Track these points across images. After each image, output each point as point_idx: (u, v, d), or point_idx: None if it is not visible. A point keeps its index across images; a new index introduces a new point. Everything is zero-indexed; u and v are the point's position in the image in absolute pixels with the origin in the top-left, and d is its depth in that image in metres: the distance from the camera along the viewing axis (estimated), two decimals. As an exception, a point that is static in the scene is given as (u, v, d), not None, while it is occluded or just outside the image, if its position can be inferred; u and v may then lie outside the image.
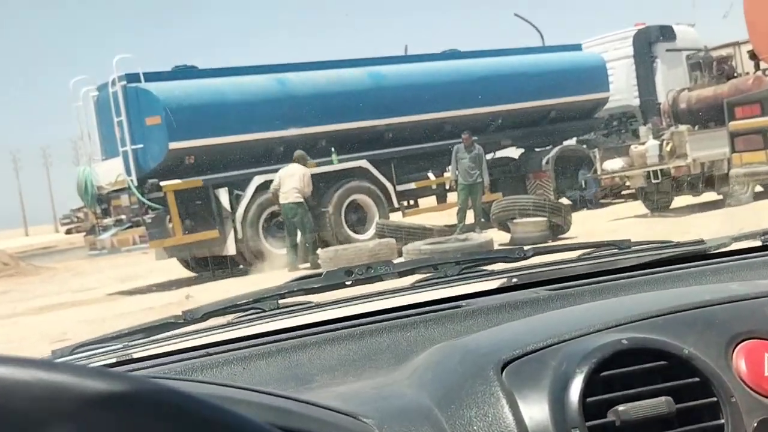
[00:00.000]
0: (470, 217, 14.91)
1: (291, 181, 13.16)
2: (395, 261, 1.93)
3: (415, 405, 1.22)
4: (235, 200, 13.98)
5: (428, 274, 1.94)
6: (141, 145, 13.67)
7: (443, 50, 17.30)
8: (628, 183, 15.21)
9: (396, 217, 15.39)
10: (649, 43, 17.66)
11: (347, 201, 14.73)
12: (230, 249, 13.91)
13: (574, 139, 18.64)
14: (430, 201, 16.84)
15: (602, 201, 17.40)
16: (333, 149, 14.81)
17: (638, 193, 14.91)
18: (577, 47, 18.64)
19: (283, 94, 14.52)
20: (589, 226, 13.62)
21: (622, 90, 18.19)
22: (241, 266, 14.32)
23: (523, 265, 1.96)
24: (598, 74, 17.93)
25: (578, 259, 1.99)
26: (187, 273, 14.90)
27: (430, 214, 16.46)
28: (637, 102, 18.10)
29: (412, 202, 16.52)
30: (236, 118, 13.97)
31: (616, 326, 1.27)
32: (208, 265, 14.56)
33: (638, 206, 14.97)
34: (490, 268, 1.96)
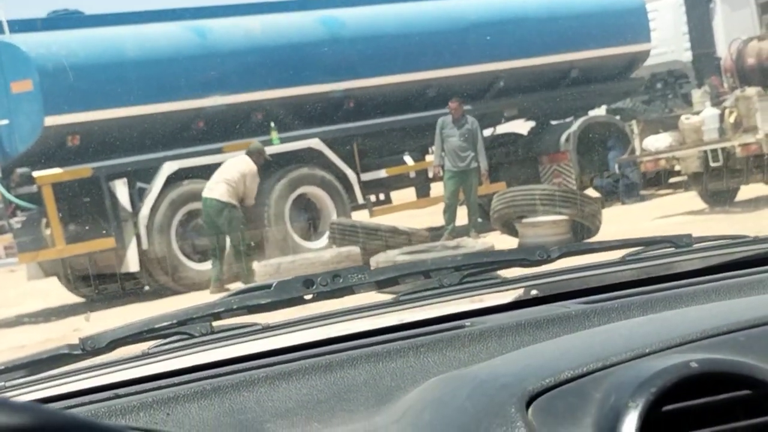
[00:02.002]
0: (462, 216, 14.97)
1: (226, 172, 13.33)
2: (372, 267, 1.94)
3: None
4: (137, 196, 13.93)
5: (418, 285, 1.95)
6: (5, 121, 13.59)
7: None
8: (677, 167, 15.33)
9: (360, 217, 15.41)
10: (704, -25, 17.82)
11: (293, 195, 14.75)
12: (131, 263, 13.86)
13: (604, 107, 18.75)
14: (407, 194, 16.88)
15: (642, 192, 17.54)
16: (272, 124, 14.81)
17: (692, 181, 15.04)
18: (605, -19, 18.77)
19: (202, 50, 14.50)
20: (626, 226, 13.73)
21: (667, 40, 18.35)
22: (147, 287, 14.26)
23: (547, 270, 1.99)
24: (634, 18, 18.07)
25: (622, 261, 2.02)
26: (72, 297, 14.83)
27: (408, 213, 16.49)
28: (688, 56, 18.26)
29: (382, 196, 16.56)
30: (137, 82, 13.93)
31: (681, 345, 1.29)
32: (101, 286, 14.48)
33: (692, 199, 15.11)
34: (501, 275, 1.98)
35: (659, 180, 17.16)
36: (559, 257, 1.98)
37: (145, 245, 13.83)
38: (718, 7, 17.61)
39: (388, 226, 13.88)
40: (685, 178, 15.55)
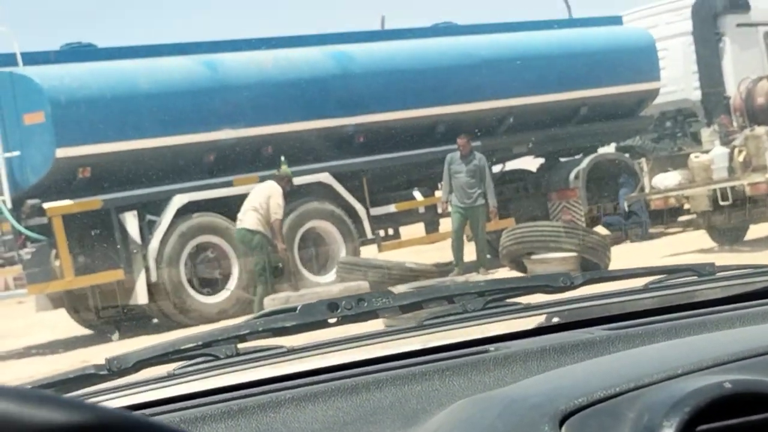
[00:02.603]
0: (471, 253, 14.96)
1: (253, 200, 13.60)
2: (396, 291, 1.95)
3: None
4: (147, 228, 13.95)
5: (441, 310, 1.96)
6: (17, 153, 13.62)
7: (434, 23, 17.41)
8: (687, 205, 15.33)
9: (370, 252, 15.41)
10: (713, 15, 17.85)
11: (302, 229, 14.76)
12: (140, 296, 13.86)
13: (613, 145, 18.77)
14: (415, 230, 16.88)
15: (651, 230, 17.54)
16: (282, 158, 14.82)
17: (701, 220, 15.04)
18: (616, 20, 18.85)
19: (213, 83, 14.55)
20: (635, 263, 13.71)
21: (677, 79, 18.39)
22: (156, 319, 14.25)
23: (570, 297, 1.99)
24: (644, 57, 18.11)
25: (645, 288, 2.03)
26: (80, 330, 14.82)
27: (416, 249, 16.49)
28: (698, 95, 18.29)
29: (391, 231, 16.55)
30: (149, 115, 13.97)
31: (713, 367, 1.30)
32: (111, 319, 14.48)
33: (701, 237, 15.10)
34: (524, 301, 1.99)
35: (668, 218, 17.17)
36: (583, 284, 1.99)
37: (154, 277, 13.83)
38: (728, 47, 17.65)
39: (396, 264, 13.89)
40: (694, 216, 15.56)
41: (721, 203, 14.29)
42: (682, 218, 17.29)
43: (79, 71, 13.86)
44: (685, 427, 1.19)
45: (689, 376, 1.29)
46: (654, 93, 18.40)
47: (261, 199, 13.62)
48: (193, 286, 14.10)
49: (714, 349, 1.37)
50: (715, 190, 14.32)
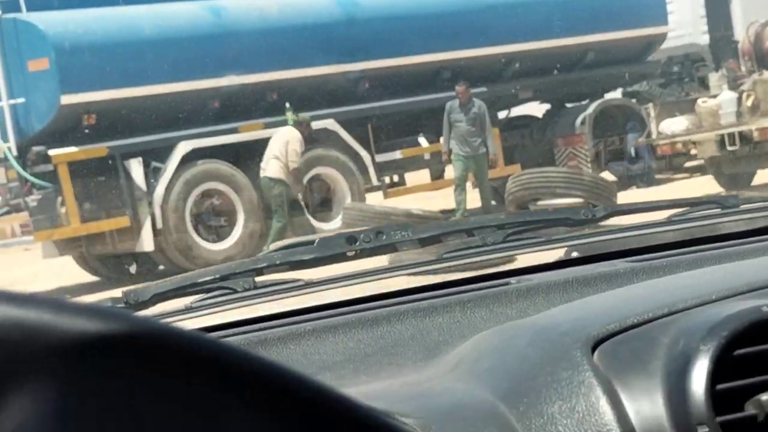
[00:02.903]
0: (476, 200, 14.94)
1: (273, 148, 13.69)
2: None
3: (472, 401, 1.21)
4: (152, 175, 13.93)
5: (461, 243, 1.94)
6: (21, 99, 13.58)
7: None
8: (694, 151, 15.30)
9: (375, 198, 15.39)
10: (722, -44, 17.74)
11: (307, 176, 14.72)
12: (146, 243, 13.87)
13: (620, 90, 18.69)
14: (421, 176, 16.85)
15: (658, 176, 17.51)
16: (287, 105, 14.77)
17: (708, 165, 15.01)
18: (623, -37, 18.69)
19: (218, 29, 14.47)
20: (642, 209, 13.70)
21: (685, 23, 18.30)
22: (162, 266, 14.28)
23: (593, 230, 1.97)
24: (652, 1, 17.98)
25: (667, 221, 2.00)
26: (87, 277, 14.86)
27: (422, 195, 16.47)
28: (706, 39, 18.20)
29: (396, 177, 16.53)
30: (154, 61, 13.91)
31: (749, 292, 1.27)
32: (117, 266, 14.51)
33: (708, 182, 15.07)
34: (545, 234, 1.96)
35: (675, 163, 17.16)
36: (604, 217, 1.96)
37: (159, 224, 13.83)
38: (736, -10, 17.55)
39: (401, 210, 13.88)
40: (701, 161, 15.54)
41: (729, 148, 14.25)
42: (689, 164, 17.27)
43: (83, 17, 13.78)
44: (722, 352, 1.16)
45: (724, 301, 1.27)
46: (661, 37, 18.28)
47: (281, 146, 13.66)
48: (198, 233, 14.12)
49: (747, 275, 1.34)
50: (722, 135, 14.28)
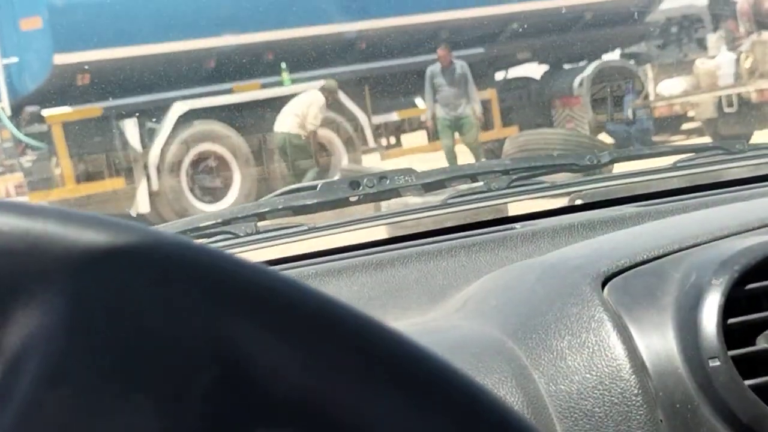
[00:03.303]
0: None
1: (294, 105, 13.85)
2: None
3: (480, 336, 1.21)
4: (148, 136, 13.90)
5: (465, 188, 1.93)
6: (14, 59, 13.51)
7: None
8: (691, 113, 15.26)
9: (372, 160, 15.35)
10: None
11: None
12: (141, 205, 13.86)
13: (618, 52, 18.62)
14: (419, 138, 16.81)
15: (656, 138, 17.48)
16: (283, 65, 14.72)
17: (706, 127, 14.99)
18: None
19: (213, -12, 14.42)
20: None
21: (683, -17, 18.21)
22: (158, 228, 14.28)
23: (598, 176, 1.96)
24: (650, -39, 17.91)
25: (673, 167, 1.99)
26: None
27: (419, 156, 16.42)
28: (704, 0, 18.13)
29: (393, 139, 16.49)
30: (148, 20, 13.84)
31: (761, 227, 1.26)
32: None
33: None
34: (550, 180, 1.95)
35: (673, 125, 17.13)
36: (609, 162, 1.95)
37: (155, 186, 13.81)
38: (736, -50, 17.45)
39: (397, 171, 13.86)
40: (699, 123, 15.52)
41: (726, 110, 14.23)
42: (687, 125, 17.25)
43: (76, -25, 13.70)
44: (734, 286, 1.15)
45: (736, 237, 1.26)
46: (659, -2, 18.24)
47: (303, 107, 13.71)
48: (194, 195, 14.09)
49: (757, 212, 1.33)
50: (720, 97, 14.25)
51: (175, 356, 0.65)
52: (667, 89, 15.04)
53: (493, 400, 0.67)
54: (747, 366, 1.13)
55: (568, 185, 1.96)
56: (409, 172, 1.88)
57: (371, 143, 15.59)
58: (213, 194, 14.17)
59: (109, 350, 0.65)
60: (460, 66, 14.49)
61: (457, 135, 14.70)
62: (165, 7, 13.93)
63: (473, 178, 1.94)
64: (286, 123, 13.76)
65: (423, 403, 0.66)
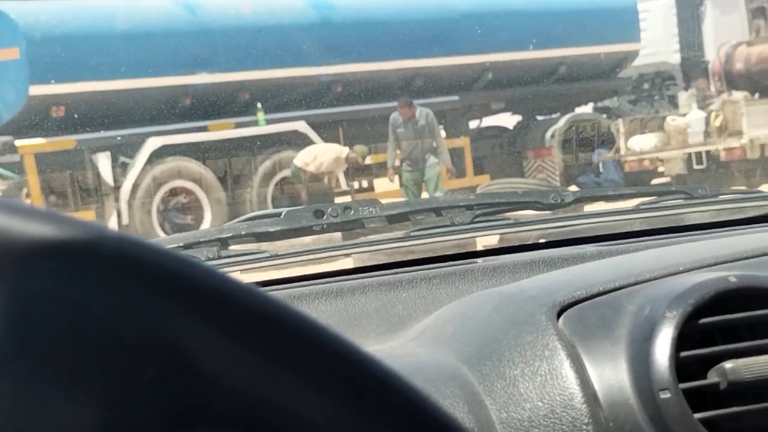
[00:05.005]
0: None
1: (318, 147, 14.31)
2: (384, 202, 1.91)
3: (434, 362, 1.20)
4: (120, 170, 13.86)
5: (429, 222, 1.93)
6: (-10, 88, 13.50)
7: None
8: (661, 168, 15.36)
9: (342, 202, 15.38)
10: (696, -23, 17.85)
11: (276, 178, 14.70)
12: (111, 238, 13.80)
13: (591, 105, 18.77)
14: (389, 183, 16.83)
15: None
16: (259, 105, 14.75)
17: (675, 183, 15.06)
18: (598, -21, 18.79)
19: (192, 26, 14.42)
20: (608, 223, 13.74)
21: (656, 41, 18.36)
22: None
23: (561, 215, 1.96)
24: (625, 17, 18.08)
25: (636, 209, 2.00)
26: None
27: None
28: (677, 58, 18.29)
29: (365, 183, 16.51)
30: (125, 55, 13.83)
31: (716, 264, 1.27)
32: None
33: (674, 199, 15.12)
34: (514, 217, 1.96)
35: (642, 180, 17.22)
36: (573, 202, 1.95)
37: (125, 220, 13.76)
38: (709, 11, 17.64)
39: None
40: (668, 179, 15.60)
41: (696, 167, 14.33)
42: (656, 181, 17.35)
43: (55, 8, 13.70)
44: (687, 320, 1.16)
45: (691, 272, 1.26)
46: (633, 54, 18.39)
47: (323, 148, 14.12)
48: (164, 230, 14.04)
49: (716, 249, 1.34)
50: (690, 154, 14.36)
51: (118, 351, 0.65)
52: (637, 144, 15.14)
53: (431, 408, 0.67)
54: (698, 399, 1.13)
55: (531, 223, 1.96)
56: (373, 203, 1.88)
57: (343, 186, 15.59)
58: (183, 230, 14.12)
59: (49, 342, 0.64)
60: (425, 115, 14.11)
61: (419, 185, 14.55)
62: (143, 44, 13.94)
63: (437, 212, 1.94)
64: (299, 155, 14.01)
65: (364, 405, 0.66)
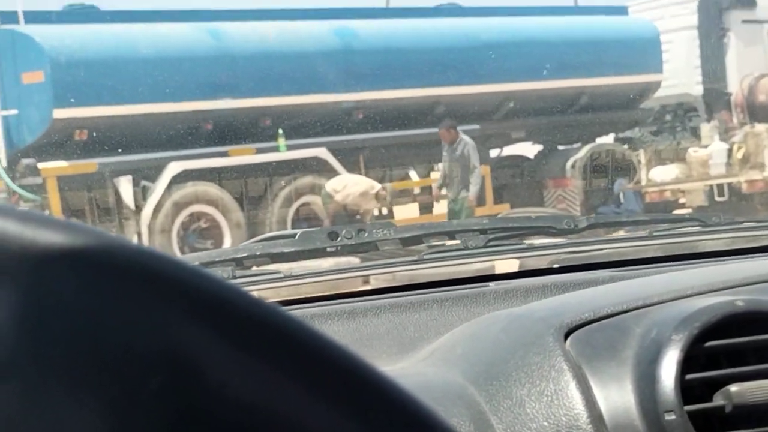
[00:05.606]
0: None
1: (350, 177, 14.47)
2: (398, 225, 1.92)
3: (441, 382, 1.21)
4: (141, 194, 13.92)
5: (442, 245, 1.94)
6: (14, 111, 13.57)
7: (439, 3, 17.36)
8: (682, 199, 15.33)
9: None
10: (719, 10, 17.85)
11: (296, 204, 14.72)
12: (131, 262, 13.84)
13: (612, 136, 18.76)
14: (409, 210, 16.85)
15: (646, 223, 17.54)
16: (280, 131, 14.80)
17: (696, 214, 15.04)
18: (621, 10, 18.82)
19: (215, 51, 14.50)
20: (628, 253, 13.70)
21: (679, 72, 18.36)
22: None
23: (575, 240, 1.97)
24: (648, 49, 18.08)
25: (649, 236, 2.01)
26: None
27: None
28: (699, 90, 18.28)
29: (384, 210, 16.52)
30: (149, 80, 13.92)
31: (724, 289, 1.28)
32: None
33: (695, 231, 15.08)
34: (527, 241, 1.97)
35: (663, 211, 17.17)
36: (587, 228, 1.96)
37: (145, 244, 13.79)
38: (732, 42, 17.65)
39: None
40: (689, 210, 15.56)
41: (717, 199, 14.31)
42: (677, 212, 17.30)
43: (80, 32, 13.80)
44: (693, 343, 1.17)
45: (699, 296, 1.27)
46: (656, 85, 18.37)
47: (355, 179, 14.25)
48: (184, 255, 14.06)
49: (725, 274, 1.35)
50: (711, 186, 14.34)
51: (126, 358, 0.66)
52: (659, 175, 15.13)
53: (438, 423, 0.67)
54: (703, 422, 1.14)
55: (544, 248, 1.97)
56: (387, 225, 1.89)
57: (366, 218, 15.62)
58: (203, 255, 14.18)
59: (58, 347, 0.65)
60: (464, 145, 14.27)
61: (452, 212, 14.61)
62: (165, 69, 14.02)
63: (451, 235, 1.95)
64: (329, 182, 14.13)
65: (372, 419, 0.67)
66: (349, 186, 14.12)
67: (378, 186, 14.31)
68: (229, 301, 0.68)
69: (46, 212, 13.34)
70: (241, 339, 0.66)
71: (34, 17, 13.81)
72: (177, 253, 13.89)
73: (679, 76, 18.33)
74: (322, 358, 0.68)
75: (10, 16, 13.67)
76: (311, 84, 15.04)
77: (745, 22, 17.74)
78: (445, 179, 14.48)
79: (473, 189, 14.37)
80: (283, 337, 0.67)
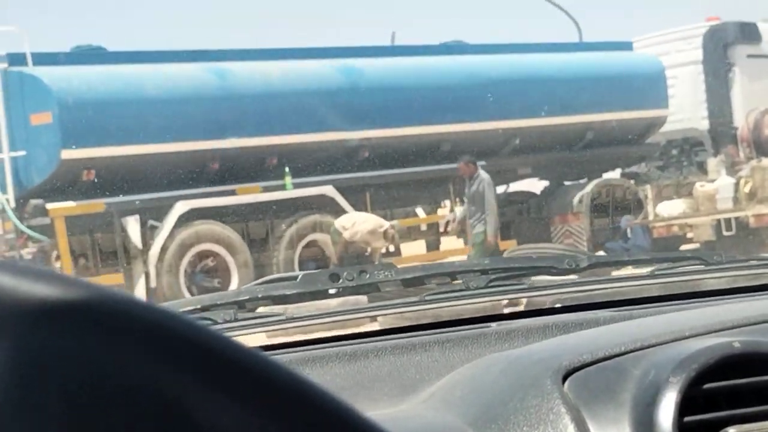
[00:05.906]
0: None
1: (358, 215, 14.56)
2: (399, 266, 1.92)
3: (441, 424, 1.22)
4: (149, 233, 13.94)
5: (444, 286, 1.94)
6: (23, 152, 13.62)
7: (444, 41, 17.42)
8: (690, 234, 15.30)
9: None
10: (724, 45, 17.90)
11: (303, 242, 14.73)
12: (139, 300, 13.84)
13: (618, 171, 18.76)
14: (416, 247, 16.85)
15: (653, 258, 17.50)
16: (287, 169, 14.83)
17: (704, 249, 15.01)
18: (626, 46, 18.86)
19: (221, 91, 14.56)
20: (636, 289, 13.68)
21: (685, 107, 18.40)
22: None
23: (575, 279, 1.97)
24: (653, 84, 18.13)
25: (650, 275, 2.01)
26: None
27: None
28: (705, 125, 18.31)
29: (392, 248, 16.52)
30: (155, 120, 13.98)
31: (721, 330, 1.28)
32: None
33: (703, 266, 15.06)
34: (528, 282, 1.97)
35: (670, 246, 17.16)
36: (588, 268, 1.97)
37: (153, 283, 13.81)
38: (737, 77, 17.69)
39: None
40: (696, 245, 15.55)
41: (725, 233, 14.29)
42: (685, 247, 17.27)
43: (87, 74, 13.88)
44: (691, 385, 1.17)
45: (697, 338, 1.27)
46: (661, 120, 18.41)
47: (364, 217, 14.32)
48: (191, 294, 14.05)
49: (723, 315, 1.35)
50: (719, 220, 14.33)
51: (118, 405, 0.67)
52: (666, 210, 15.13)
53: None
54: None
55: (545, 287, 1.97)
56: (389, 267, 1.90)
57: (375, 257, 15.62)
58: (210, 293, 14.16)
59: (54, 397, 0.66)
60: (480, 181, 14.43)
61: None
62: (172, 109, 14.09)
63: (452, 276, 1.95)
64: (340, 222, 14.18)
65: None
66: (357, 224, 14.16)
67: (386, 224, 14.34)
68: (212, 348, 0.69)
69: (54, 252, 13.39)
70: (225, 384, 0.68)
71: (42, 59, 13.89)
72: (185, 292, 13.92)
73: (685, 110, 18.36)
74: (303, 400, 0.69)
75: (19, 58, 13.76)
76: (317, 122, 15.09)
77: (750, 56, 17.80)
78: (467, 212, 14.57)
79: (490, 229, 14.35)
80: (268, 383, 0.68)
